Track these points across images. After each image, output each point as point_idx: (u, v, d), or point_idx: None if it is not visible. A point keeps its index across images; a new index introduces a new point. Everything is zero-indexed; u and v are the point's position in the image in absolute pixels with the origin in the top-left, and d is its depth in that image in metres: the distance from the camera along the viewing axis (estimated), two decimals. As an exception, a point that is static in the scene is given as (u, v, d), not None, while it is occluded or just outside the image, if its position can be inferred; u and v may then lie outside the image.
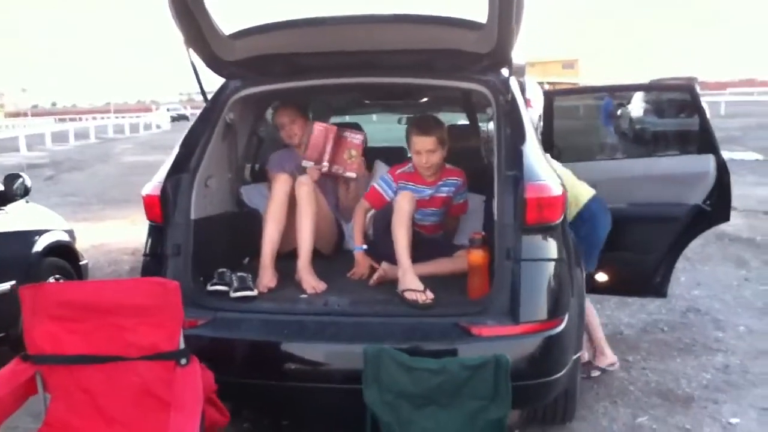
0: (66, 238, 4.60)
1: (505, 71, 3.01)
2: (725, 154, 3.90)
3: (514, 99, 2.98)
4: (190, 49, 2.95)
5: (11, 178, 4.18)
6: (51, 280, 4.26)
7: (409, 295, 2.76)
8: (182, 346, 2.25)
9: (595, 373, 3.76)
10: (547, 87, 26.42)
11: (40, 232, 4.30)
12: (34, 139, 24.88)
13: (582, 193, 3.55)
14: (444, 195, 3.44)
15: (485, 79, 3.06)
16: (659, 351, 4.16)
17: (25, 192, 4.26)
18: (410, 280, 2.85)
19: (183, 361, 2.22)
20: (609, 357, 3.79)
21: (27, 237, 4.19)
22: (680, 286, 5.38)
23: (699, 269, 5.92)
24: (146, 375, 2.24)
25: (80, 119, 42.59)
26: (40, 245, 4.23)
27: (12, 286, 3.76)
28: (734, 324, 4.57)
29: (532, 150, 2.80)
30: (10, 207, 4.16)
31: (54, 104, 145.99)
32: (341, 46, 3.01)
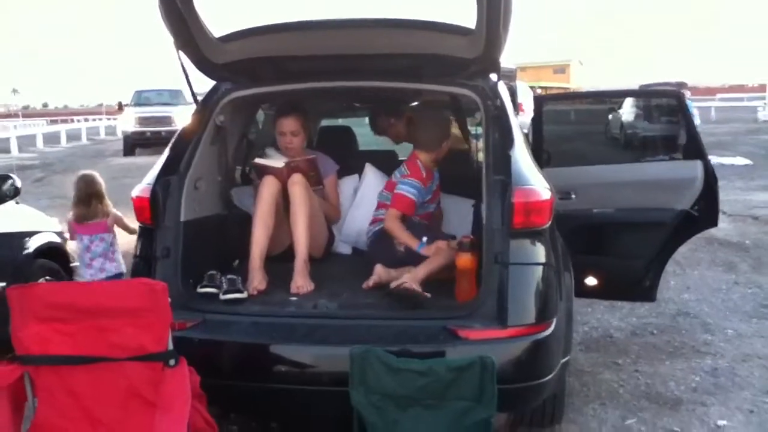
0: (57, 239, 4.58)
1: (493, 76, 3.02)
2: (715, 160, 3.93)
3: (502, 104, 3.00)
4: (180, 51, 2.96)
5: (1, 180, 4.15)
6: (41, 281, 4.25)
7: (407, 286, 2.82)
8: (171, 347, 2.26)
9: None
10: (539, 91, 26.52)
11: (30, 234, 4.27)
12: (25, 140, 24.71)
13: None
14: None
15: (474, 84, 3.08)
16: (649, 354, 4.18)
17: (15, 193, 4.24)
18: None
19: (172, 362, 2.22)
20: None
21: (17, 238, 4.17)
22: (670, 290, 5.40)
23: (689, 273, 5.94)
24: (133, 377, 2.24)
25: (72, 120, 42.18)
26: (30, 247, 4.20)
27: (2, 287, 3.74)
28: (723, 327, 4.60)
29: (521, 155, 2.81)
30: (0, 208, 4.14)
31: (45, 105, 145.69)
32: (330, 50, 3.01)
